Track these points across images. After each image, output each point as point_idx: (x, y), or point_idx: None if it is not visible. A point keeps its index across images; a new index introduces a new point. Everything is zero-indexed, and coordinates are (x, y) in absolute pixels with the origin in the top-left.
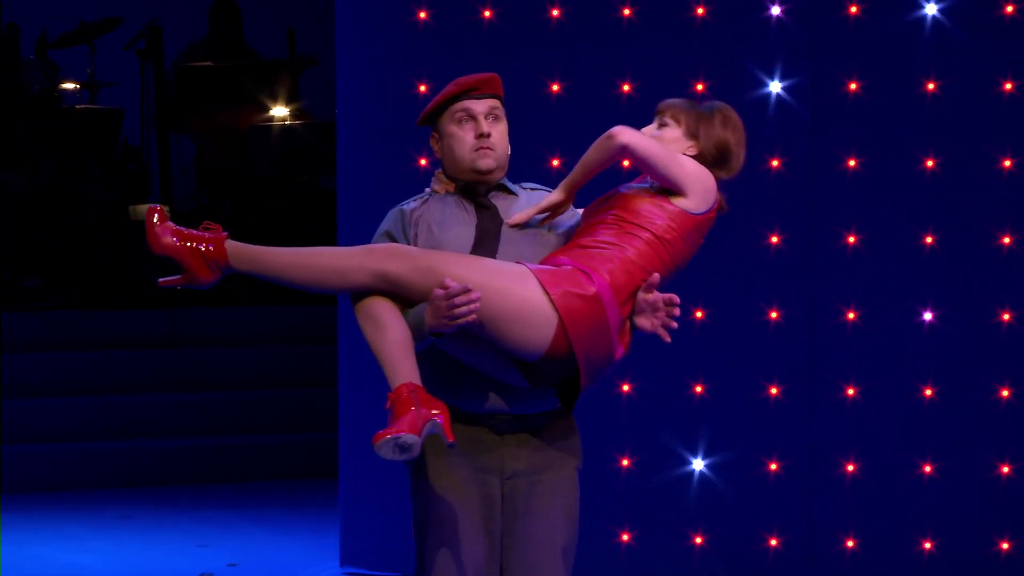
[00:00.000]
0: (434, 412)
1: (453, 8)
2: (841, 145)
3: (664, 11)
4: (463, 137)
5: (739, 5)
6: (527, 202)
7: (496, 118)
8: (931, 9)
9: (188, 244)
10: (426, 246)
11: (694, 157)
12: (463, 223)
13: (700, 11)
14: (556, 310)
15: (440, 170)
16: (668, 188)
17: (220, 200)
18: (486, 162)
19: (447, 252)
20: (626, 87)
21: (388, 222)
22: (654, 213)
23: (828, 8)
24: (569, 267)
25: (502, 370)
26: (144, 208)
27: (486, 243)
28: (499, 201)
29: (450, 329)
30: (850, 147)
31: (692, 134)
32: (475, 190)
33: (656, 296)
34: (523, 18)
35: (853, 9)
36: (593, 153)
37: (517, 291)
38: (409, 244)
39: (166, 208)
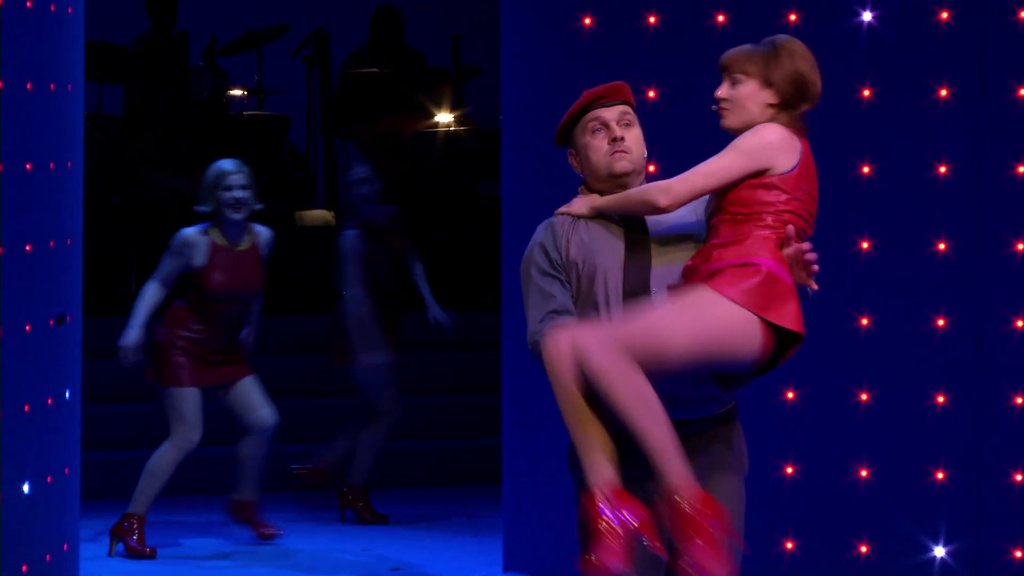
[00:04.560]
0: (635, 520)
1: (617, 14)
2: (1010, 151)
3: (830, 16)
4: (598, 145)
5: (907, 10)
6: None
7: (628, 124)
8: None
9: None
10: (579, 256)
11: (776, 105)
12: (613, 232)
13: (868, 16)
14: (751, 311)
15: (583, 186)
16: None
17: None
18: (622, 164)
19: (648, 320)
20: None
21: (540, 235)
22: (761, 193)
23: (997, 12)
24: (726, 265)
25: (696, 387)
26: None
27: (638, 250)
28: None
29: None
30: (1019, 153)
31: (767, 82)
32: None
33: (794, 248)
34: (687, 24)
35: (1023, 14)
36: (630, 204)
37: (720, 315)
38: (561, 255)
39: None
